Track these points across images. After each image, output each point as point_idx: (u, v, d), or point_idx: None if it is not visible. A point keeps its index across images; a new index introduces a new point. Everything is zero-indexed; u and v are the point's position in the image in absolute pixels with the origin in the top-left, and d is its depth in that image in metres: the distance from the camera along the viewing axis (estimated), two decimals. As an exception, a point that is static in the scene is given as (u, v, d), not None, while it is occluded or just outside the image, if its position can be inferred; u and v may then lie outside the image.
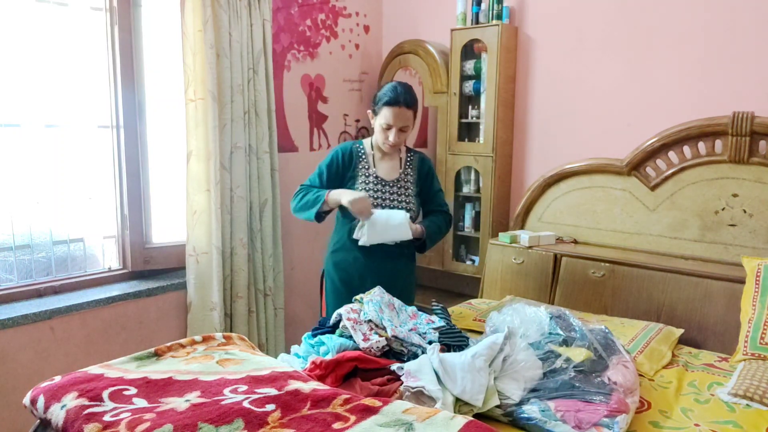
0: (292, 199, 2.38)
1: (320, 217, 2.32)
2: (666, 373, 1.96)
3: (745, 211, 2.47)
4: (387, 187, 2.36)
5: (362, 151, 2.40)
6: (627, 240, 2.78)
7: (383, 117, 2.25)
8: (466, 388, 1.56)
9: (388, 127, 2.26)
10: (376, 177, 2.36)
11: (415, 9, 3.65)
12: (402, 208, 2.34)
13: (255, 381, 1.55)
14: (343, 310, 1.89)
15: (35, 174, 2.44)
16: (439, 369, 1.61)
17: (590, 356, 1.77)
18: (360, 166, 2.37)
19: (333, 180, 2.36)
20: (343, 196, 2.23)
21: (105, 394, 1.46)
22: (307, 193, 2.33)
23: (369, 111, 2.37)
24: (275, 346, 3.08)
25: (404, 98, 2.24)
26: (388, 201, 2.34)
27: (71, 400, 1.44)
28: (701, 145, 2.55)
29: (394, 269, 2.38)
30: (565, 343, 1.84)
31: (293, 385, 1.51)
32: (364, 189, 2.33)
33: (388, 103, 2.23)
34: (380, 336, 1.79)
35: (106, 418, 1.36)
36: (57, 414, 1.42)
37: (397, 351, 1.80)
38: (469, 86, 3.25)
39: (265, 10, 2.93)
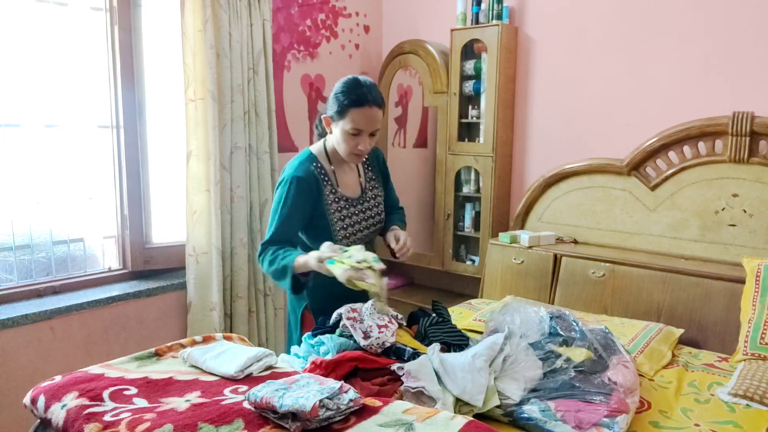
0: (260, 257, 1.91)
1: (299, 287, 1.89)
2: (666, 373, 1.96)
3: (745, 211, 2.47)
4: (355, 207, 2.01)
5: (323, 172, 1.95)
6: (627, 240, 2.78)
7: (350, 121, 1.83)
8: (466, 389, 1.55)
9: (357, 133, 1.85)
10: (345, 199, 1.98)
11: (415, 9, 3.65)
12: (372, 224, 2.06)
13: (255, 381, 1.55)
14: (343, 310, 1.89)
15: (35, 174, 2.44)
16: (440, 369, 1.61)
17: (590, 356, 1.77)
18: (327, 191, 1.94)
19: (304, 220, 1.92)
20: (309, 261, 1.78)
21: (105, 394, 1.46)
22: (275, 257, 1.86)
23: (324, 116, 1.93)
24: (275, 346, 3.08)
25: (373, 95, 1.85)
26: (357, 225, 2.01)
27: (72, 400, 1.44)
28: (701, 145, 2.55)
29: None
30: (565, 343, 1.84)
31: (293, 385, 1.51)
32: (338, 219, 1.96)
33: (356, 103, 1.83)
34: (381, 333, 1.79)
35: (107, 417, 1.36)
36: (57, 414, 1.42)
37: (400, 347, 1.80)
38: (469, 86, 3.26)
39: (265, 10, 2.93)
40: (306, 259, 1.79)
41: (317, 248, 1.88)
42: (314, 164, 1.94)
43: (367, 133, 1.87)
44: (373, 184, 2.10)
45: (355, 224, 2.00)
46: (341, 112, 1.85)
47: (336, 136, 1.90)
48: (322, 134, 2.04)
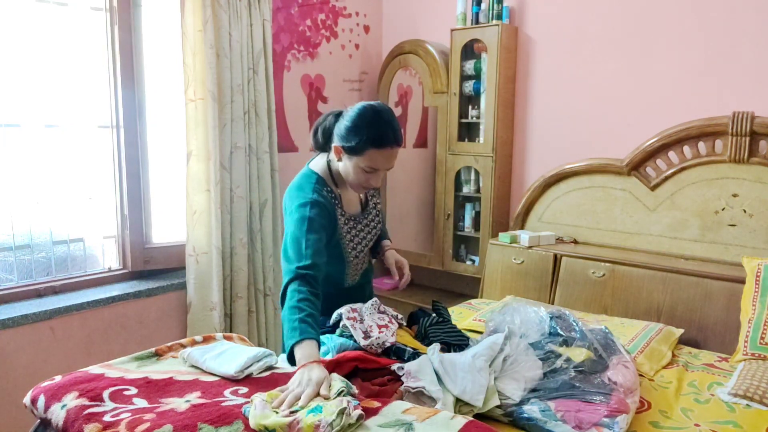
0: (284, 290, 1.65)
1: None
2: (666, 373, 1.96)
3: (745, 211, 2.47)
4: (359, 224, 1.94)
5: (333, 195, 1.84)
6: (627, 240, 2.78)
7: (368, 160, 1.71)
8: (467, 389, 1.55)
9: (373, 170, 1.74)
10: (353, 219, 1.93)
11: (415, 9, 3.65)
12: (374, 236, 2.01)
13: (255, 381, 1.55)
14: (344, 310, 1.89)
15: (35, 174, 2.44)
16: (440, 369, 1.61)
17: (590, 356, 1.77)
18: (338, 214, 1.85)
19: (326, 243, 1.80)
20: (300, 361, 1.51)
21: (105, 394, 1.46)
22: (294, 310, 1.58)
23: (337, 146, 1.75)
24: (275, 346, 3.08)
25: (395, 134, 1.72)
26: (363, 240, 1.94)
27: (72, 400, 1.44)
28: (701, 145, 2.55)
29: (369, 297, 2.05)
30: (565, 343, 1.84)
31: (293, 385, 1.50)
32: (350, 239, 1.89)
33: (378, 144, 1.69)
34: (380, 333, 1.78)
35: (107, 418, 1.36)
36: (57, 414, 1.42)
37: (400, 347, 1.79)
38: (469, 86, 3.26)
39: (265, 10, 2.93)
40: (300, 356, 1.50)
41: (330, 271, 1.82)
42: (326, 189, 1.83)
43: (383, 170, 1.77)
44: (373, 193, 2.04)
45: (362, 240, 1.94)
46: (358, 150, 1.71)
47: (346, 167, 1.77)
48: (320, 148, 1.90)
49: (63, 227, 2.55)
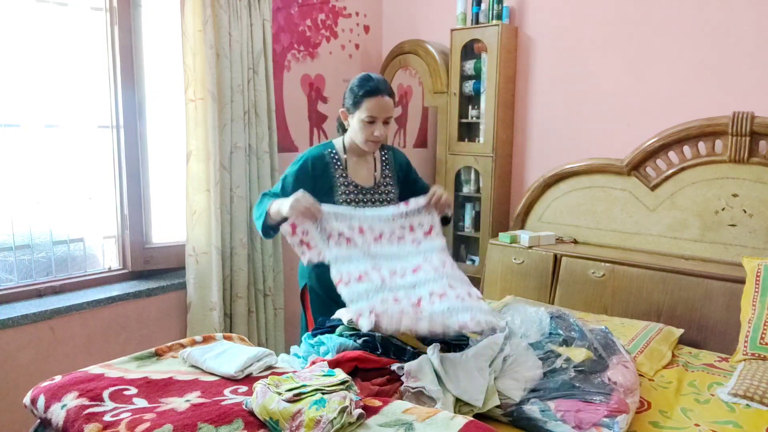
0: (254, 208, 2.10)
1: (268, 233, 2.04)
2: (666, 373, 1.96)
3: (745, 211, 2.47)
4: (366, 196, 2.13)
5: (336, 156, 2.13)
6: (627, 240, 2.78)
7: (365, 110, 2.01)
8: (467, 389, 1.56)
9: (372, 120, 2.02)
10: (355, 185, 2.12)
11: (415, 9, 3.65)
12: None
13: (255, 381, 1.55)
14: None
15: (35, 174, 2.44)
16: (440, 369, 1.61)
17: (590, 356, 1.77)
18: (337, 174, 2.10)
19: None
20: (282, 205, 1.91)
21: (105, 394, 1.46)
22: (261, 203, 2.05)
23: (341, 110, 2.11)
24: (275, 346, 3.08)
25: (384, 86, 2.04)
26: None
27: (72, 400, 1.44)
28: (701, 145, 2.56)
29: None
30: (565, 343, 1.84)
31: (293, 385, 1.51)
32: (345, 201, 2.08)
33: (370, 94, 2.00)
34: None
35: (107, 418, 1.36)
36: (57, 414, 1.42)
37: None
38: (469, 86, 3.26)
39: (265, 10, 2.93)
40: (280, 203, 1.93)
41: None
42: (329, 150, 2.13)
43: (381, 121, 2.04)
44: (388, 181, 2.20)
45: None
46: (356, 103, 2.03)
47: (353, 127, 2.07)
48: (344, 131, 2.19)
49: (63, 227, 2.55)
